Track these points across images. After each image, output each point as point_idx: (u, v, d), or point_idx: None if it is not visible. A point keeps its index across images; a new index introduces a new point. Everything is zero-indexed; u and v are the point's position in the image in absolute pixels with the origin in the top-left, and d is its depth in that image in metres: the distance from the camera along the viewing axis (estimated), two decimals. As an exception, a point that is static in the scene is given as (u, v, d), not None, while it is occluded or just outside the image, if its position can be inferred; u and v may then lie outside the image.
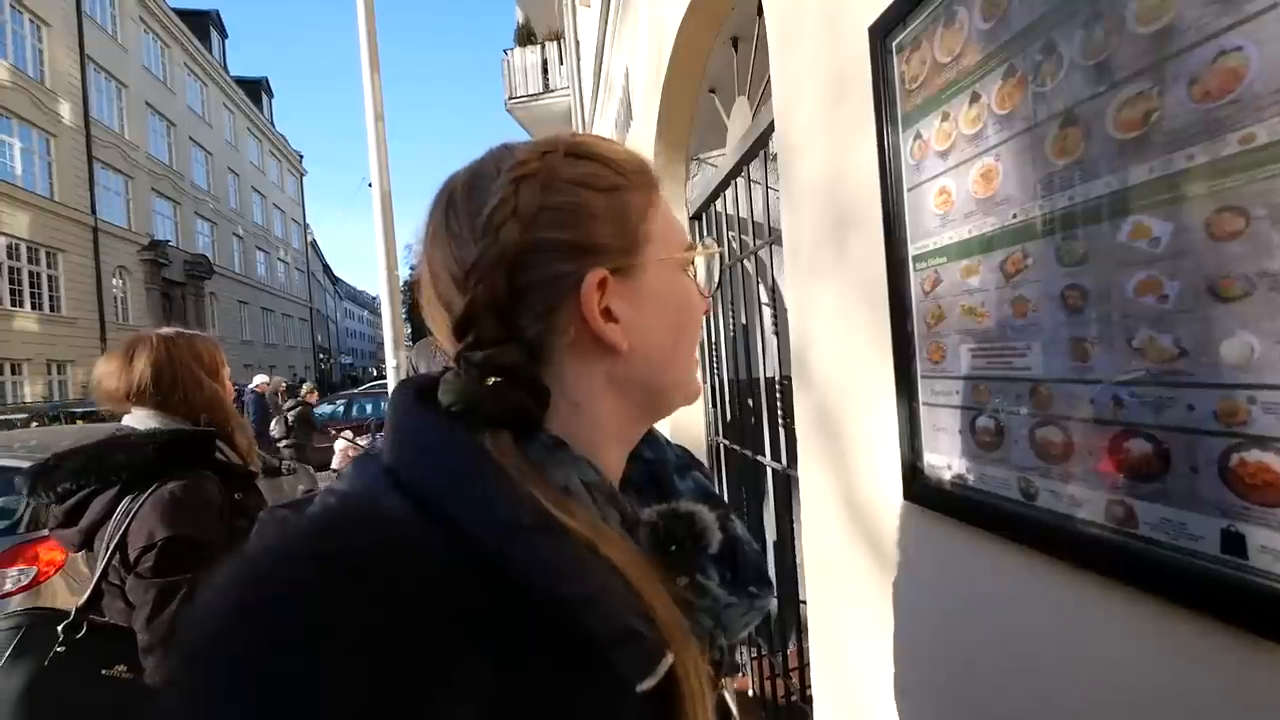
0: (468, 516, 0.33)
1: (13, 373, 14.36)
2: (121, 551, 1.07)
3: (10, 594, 2.53)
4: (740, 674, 2.35)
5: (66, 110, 16.03)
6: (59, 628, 1.04)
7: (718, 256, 0.52)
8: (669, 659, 0.33)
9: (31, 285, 14.93)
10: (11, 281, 14.37)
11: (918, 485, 0.82)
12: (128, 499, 1.09)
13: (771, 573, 2.02)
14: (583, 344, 0.41)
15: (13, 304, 14.35)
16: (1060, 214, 0.57)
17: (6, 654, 1.00)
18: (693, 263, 0.47)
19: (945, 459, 0.76)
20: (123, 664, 1.05)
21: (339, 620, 0.27)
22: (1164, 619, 0.50)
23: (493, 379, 0.38)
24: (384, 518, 0.33)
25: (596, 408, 0.42)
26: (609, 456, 0.43)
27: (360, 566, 0.29)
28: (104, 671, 1.03)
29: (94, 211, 16.79)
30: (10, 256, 14.35)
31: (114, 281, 17.72)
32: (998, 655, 0.71)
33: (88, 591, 1.07)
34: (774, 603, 0.52)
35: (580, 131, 0.47)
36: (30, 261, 14.93)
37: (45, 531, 2.60)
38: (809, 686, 1.56)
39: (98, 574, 1.07)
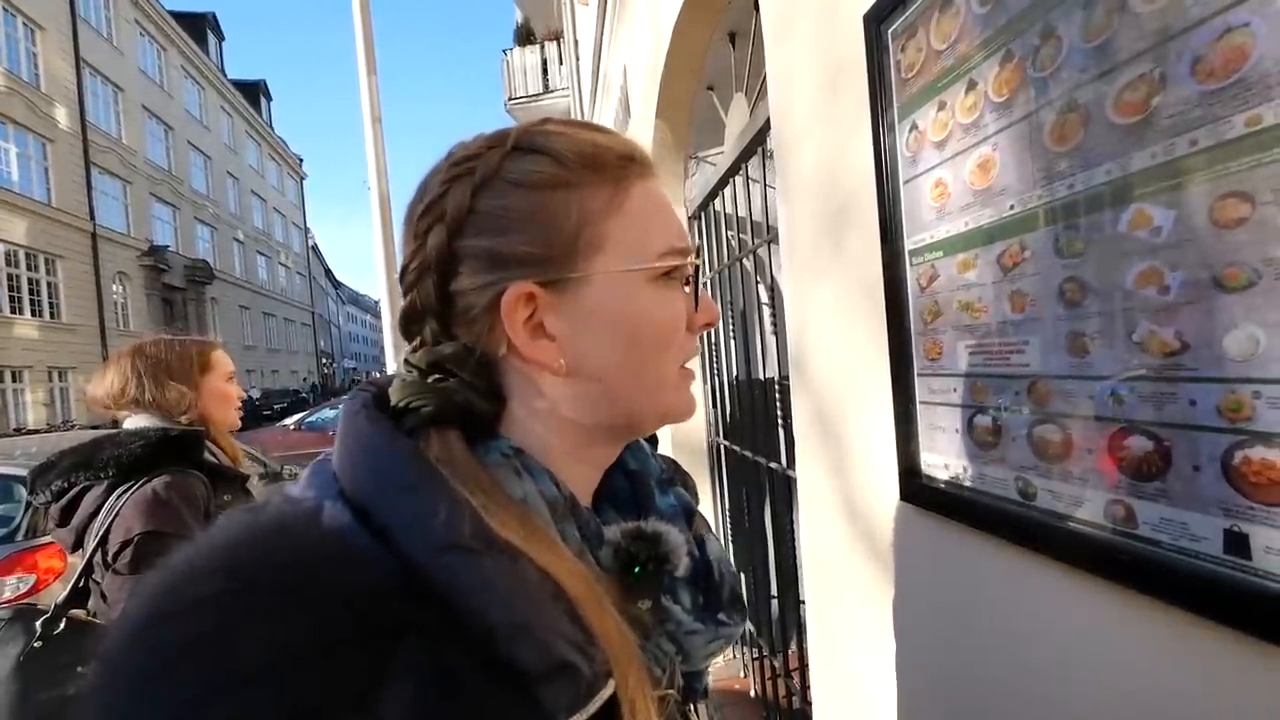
0: (400, 530, 0.31)
1: (13, 380, 14.36)
2: (103, 547, 1.07)
3: (8, 602, 2.54)
4: (742, 675, 2.34)
5: (63, 115, 16.03)
6: (37, 623, 1.04)
7: (697, 270, 0.48)
8: (608, 690, 0.31)
9: (31, 292, 14.94)
10: (10, 289, 14.38)
11: (914, 485, 0.80)
12: (114, 495, 1.10)
13: (771, 574, 2.01)
14: (519, 358, 0.38)
15: (12, 311, 14.36)
16: (1059, 204, 0.55)
17: None
18: (682, 270, 0.41)
19: (943, 458, 0.75)
20: None
21: (236, 638, 0.26)
22: (1165, 621, 0.49)
23: (434, 377, 0.37)
24: (317, 528, 0.32)
25: (549, 422, 0.39)
26: (572, 471, 0.40)
27: (270, 582, 0.28)
28: (80, 669, 1.03)
29: (92, 217, 16.80)
30: (9, 263, 14.35)
31: (114, 287, 17.73)
32: (996, 656, 0.70)
33: (68, 587, 1.07)
34: (743, 629, 0.50)
35: (555, 118, 0.41)
36: (29, 268, 14.94)
37: (44, 539, 2.61)
38: (809, 686, 1.54)
39: (80, 569, 1.07)
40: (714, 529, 2.56)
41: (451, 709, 0.28)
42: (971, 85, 0.64)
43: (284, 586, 0.28)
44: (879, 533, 0.93)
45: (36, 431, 11.32)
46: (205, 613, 0.27)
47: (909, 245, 0.77)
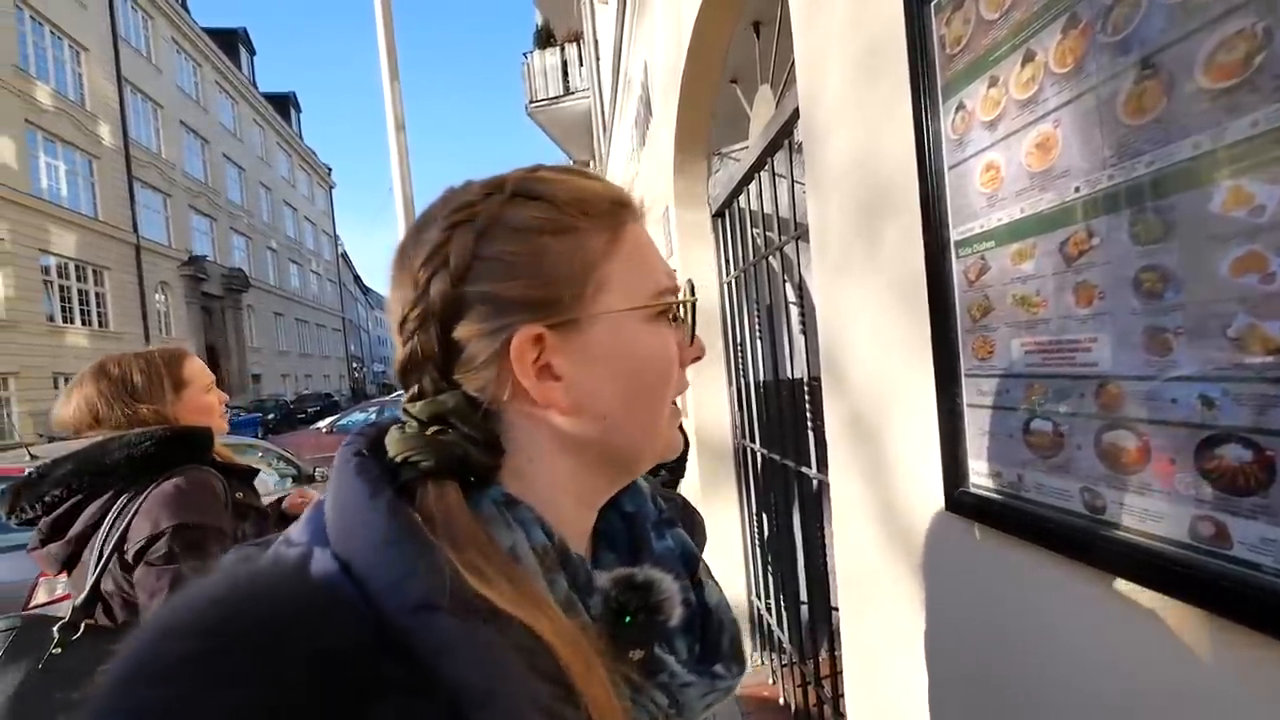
0: (379, 588, 0.31)
1: (69, 386, 15.00)
2: (120, 551, 1.04)
3: (60, 600, 2.62)
4: (770, 682, 2.28)
5: (106, 132, 16.70)
6: (54, 629, 1.02)
7: (693, 306, 0.47)
8: None
9: (81, 302, 15.59)
10: (63, 299, 15.03)
11: (961, 494, 0.75)
12: (124, 498, 1.06)
13: (800, 579, 1.95)
14: (525, 400, 0.38)
15: (64, 320, 15.00)
16: (1135, 184, 0.49)
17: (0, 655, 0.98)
18: (675, 308, 0.42)
19: (993, 466, 0.69)
20: None
21: (200, 703, 0.26)
22: (1264, 653, 0.44)
23: (434, 429, 0.37)
24: (299, 581, 0.32)
25: (550, 466, 0.40)
26: (568, 515, 0.40)
27: (239, 644, 0.28)
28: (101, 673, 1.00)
29: (136, 229, 17.46)
30: (60, 275, 15.00)
31: (157, 297, 18.40)
32: (1057, 681, 0.64)
33: (84, 592, 1.05)
34: (740, 681, 0.45)
35: (546, 165, 0.43)
36: (79, 279, 15.59)
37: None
38: (842, 695, 1.49)
39: (93, 576, 1.04)
40: (741, 533, 2.51)
41: None
42: (1029, 56, 0.58)
43: (252, 648, 0.28)
44: (921, 542, 0.88)
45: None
46: (174, 675, 0.27)
47: (955, 236, 0.71)
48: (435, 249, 0.38)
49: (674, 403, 0.44)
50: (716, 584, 0.48)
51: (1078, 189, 0.54)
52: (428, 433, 0.37)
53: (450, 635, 0.30)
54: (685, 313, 0.44)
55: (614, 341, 0.39)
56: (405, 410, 0.38)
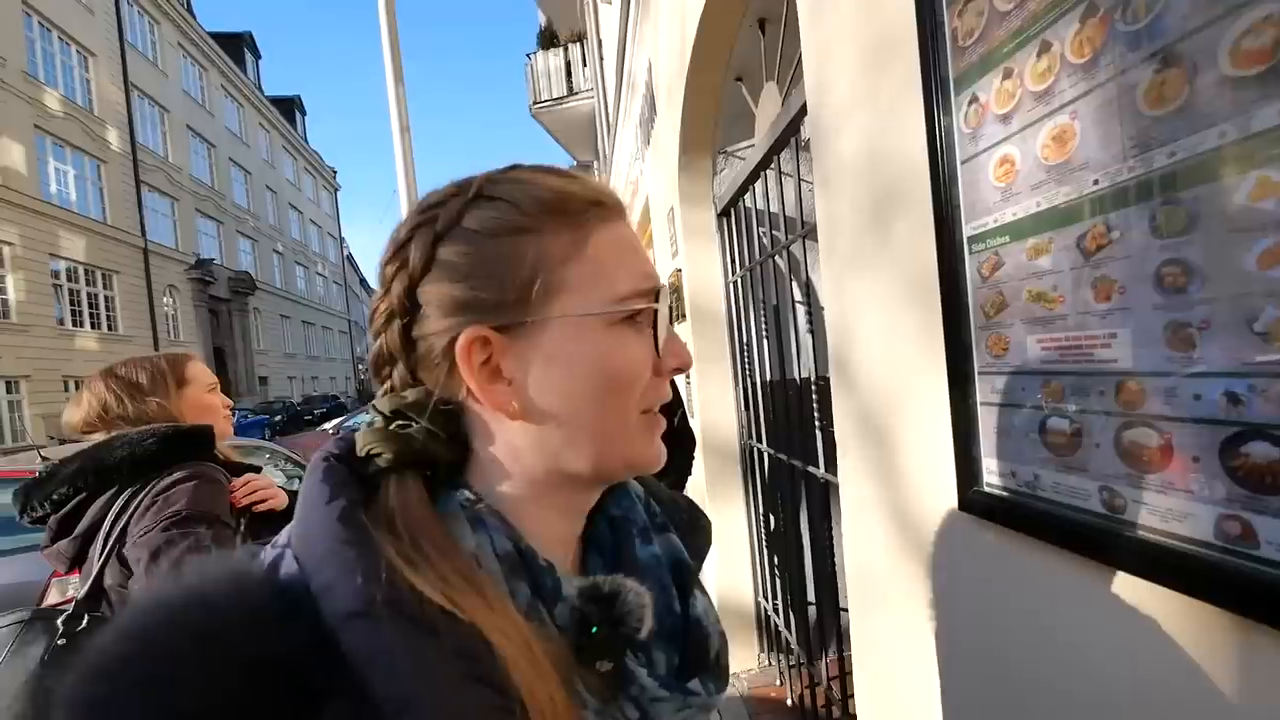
0: (318, 594, 0.31)
1: (78, 390, 15.12)
2: (121, 546, 1.05)
3: (70, 600, 2.62)
4: (778, 683, 2.27)
5: (114, 137, 16.82)
6: (58, 621, 1.03)
7: (655, 314, 0.41)
8: None
9: (90, 306, 15.70)
10: (72, 303, 15.14)
11: (974, 494, 0.74)
12: (127, 494, 1.08)
13: (807, 580, 1.94)
14: (478, 401, 0.38)
15: (74, 324, 15.11)
16: (1156, 176, 0.48)
17: (7, 649, 0.99)
18: (648, 312, 0.39)
19: (1008, 465, 0.68)
20: None
21: (128, 704, 0.27)
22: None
23: (396, 424, 0.37)
24: (261, 586, 0.33)
25: (511, 469, 0.39)
26: (535, 518, 0.39)
27: (188, 645, 0.29)
28: None
29: (144, 233, 17.59)
30: (70, 279, 15.12)
31: (164, 300, 18.53)
32: (1071, 686, 0.63)
33: (87, 584, 1.06)
34: (720, 699, 0.44)
35: (524, 165, 0.42)
36: (88, 283, 15.70)
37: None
38: (851, 695, 1.48)
39: (96, 568, 1.06)
40: (748, 533, 2.49)
41: None
42: (1045, 47, 0.57)
43: (195, 651, 0.29)
44: (933, 542, 0.87)
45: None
46: (120, 673, 0.28)
47: (968, 231, 0.70)
48: (398, 249, 0.39)
49: (652, 412, 0.41)
50: (705, 594, 0.46)
51: (1096, 182, 0.53)
52: (390, 427, 0.37)
53: (377, 643, 0.30)
54: (656, 319, 0.40)
55: (568, 346, 0.38)
56: (373, 405, 0.39)
